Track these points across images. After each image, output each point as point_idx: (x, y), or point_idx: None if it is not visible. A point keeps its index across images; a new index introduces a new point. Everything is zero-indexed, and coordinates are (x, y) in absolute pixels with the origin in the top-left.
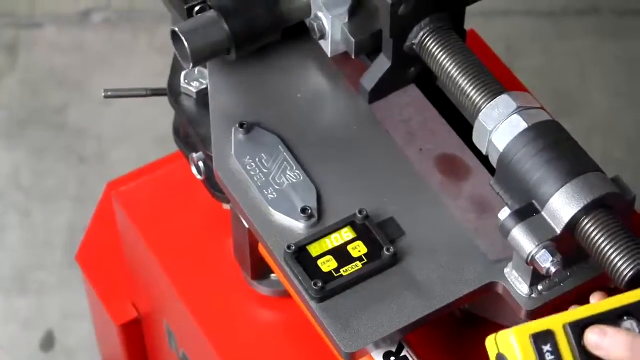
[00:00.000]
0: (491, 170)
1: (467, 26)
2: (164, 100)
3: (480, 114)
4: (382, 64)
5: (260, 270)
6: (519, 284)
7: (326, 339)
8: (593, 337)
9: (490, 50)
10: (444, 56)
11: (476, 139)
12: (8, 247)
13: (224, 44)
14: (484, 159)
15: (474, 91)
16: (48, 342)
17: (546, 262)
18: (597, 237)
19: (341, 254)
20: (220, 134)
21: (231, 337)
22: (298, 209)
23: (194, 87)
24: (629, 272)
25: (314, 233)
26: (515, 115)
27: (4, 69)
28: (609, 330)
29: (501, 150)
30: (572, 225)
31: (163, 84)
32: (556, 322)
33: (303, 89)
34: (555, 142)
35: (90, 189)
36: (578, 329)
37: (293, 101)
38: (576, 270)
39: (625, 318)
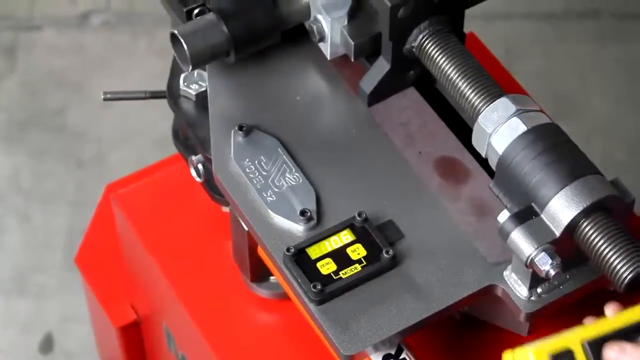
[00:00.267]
0: (490, 172)
1: (467, 29)
2: (163, 103)
3: (480, 116)
4: (381, 67)
5: (260, 273)
6: (518, 287)
7: (325, 341)
8: (612, 355)
9: (489, 53)
10: (443, 59)
11: (475, 141)
12: (7, 249)
13: (223, 47)
14: (483, 162)
15: (473, 94)
16: (47, 345)
17: (545, 264)
18: (596, 240)
19: (340, 257)
20: (220, 136)
21: (230, 339)
22: (297, 211)
23: (193, 90)
24: (628, 274)
25: (313, 235)
26: (515, 118)
27: (3, 71)
28: (628, 346)
29: (500, 153)
30: (571, 227)
31: (162, 86)
32: (574, 340)
33: (302, 92)
34: (554, 144)
35: (89, 192)
36: (597, 346)
37: (292, 104)
38: (575, 273)
39: None
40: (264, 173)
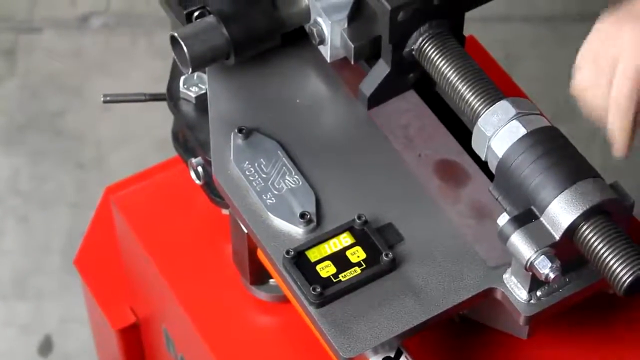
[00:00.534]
0: (490, 175)
1: (466, 32)
2: (163, 105)
3: (479, 119)
4: (381, 70)
5: (259, 276)
6: (517, 290)
7: (325, 344)
8: None
9: (489, 56)
10: (443, 62)
11: (475, 144)
12: (6, 251)
13: (223, 49)
14: (482, 165)
15: (472, 97)
16: (46, 347)
17: (545, 268)
18: (595, 243)
19: (340, 259)
20: (219, 139)
21: (230, 342)
22: (297, 214)
23: (193, 92)
24: (627, 278)
25: (312, 238)
26: (514, 121)
27: (2, 73)
28: None
29: (500, 156)
30: (571, 231)
31: (162, 88)
32: None
33: (302, 94)
34: (554, 147)
35: (88, 194)
36: None
37: (292, 106)
38: (575, 276)
39: None
40: (264, 176)
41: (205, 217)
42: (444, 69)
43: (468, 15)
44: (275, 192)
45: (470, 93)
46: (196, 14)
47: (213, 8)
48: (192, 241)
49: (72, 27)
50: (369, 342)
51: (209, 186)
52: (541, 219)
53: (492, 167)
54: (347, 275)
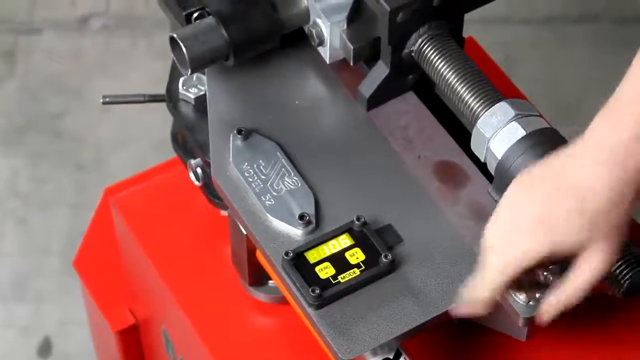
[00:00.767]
0: (489, 177)
1: (466, 33)
2: (162, 107)
3: (479, 121)
4: (380, 71)
5: (258, 277)
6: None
7: (323, 345)
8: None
9: (488, 57)
10: (442, 63)
11: (474, 146)
12: (5, 253)
13: (223, 51)
14: (482, 166)
15: (472, 98)
16: (45, 349)
17: (544, 269)
18: None
19: (339, 261)
20: (218, 140)
21: (229, 343)
22: (296, 215)
23: (192, 94)
24: (626, 279)
25: (311, 239)
26: (514, 123)
27: (2, 74)
28: None
29: (499, 157)
30: None
31: (161, 90)
32: None
33: (301, 96)
34: (553, 149)
35: (88, 195)
36: None
37: (291, 107)
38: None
39: None
40: (263, 177)
41: (204, 218)
42: (444, 70)
43: (467, 16)
44: (275, 194)
45: (470, 94)
46: (195, 15)
47: (212, 9)
48: (191, 242)
49: (72, 29)
50: (368, 344)
51: (208, 187)
52: None
53: (492, 168)
54: (346, 277)
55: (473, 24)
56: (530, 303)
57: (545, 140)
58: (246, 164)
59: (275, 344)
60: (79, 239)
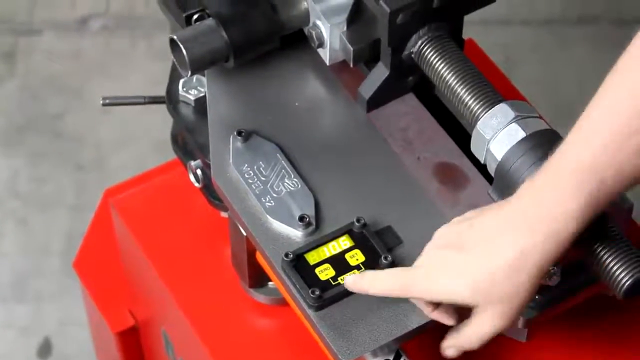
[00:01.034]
0: (489, 178)
1: (466, 35)
2: (162, 108)
3: (479, 122)
4: (380, 73)
5: (258, 278)
6: None
7: (324, 347)
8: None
9: (488, 59)
10: (442, 65)
11: (474, 147)
12: (5, 254)
13: (223, 52)
14: (481, 168)
15: (472, 100)
16: (45, 350)
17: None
18: (595, 246)
19: (339, 262)
20: (218, 141)
21: (228, 345)
22: (296, 217)
23: (192, 95)
24: (627, 281)
25: (311, 241)
26: (514, 124)
27: (2, 75)
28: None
29: (499, 159)
30: None
31: (161, 91)
32: None
33: (301, 97)
34: (553, 150)
35: (88, 196)
36: None
37: (291, 109)
38: (574, 279)
39: None
40: (263, 178)
41: (204, 219)
42: (443, 72)
43: (467, 18)
44: (275, 195)
45: (470, 96)
46: (195, 16)
47: (212, 11)
48: (191, 244)
49: (72, 29)
50: (368, 345)
51: (208, 189)
52: None
53: (491, 170)
54: (346, 278)
55: (473, 26)
56: (531, 304)
57: (545, 142)
58: (246, 165)
59: (275, 345)
60: (79, 239)
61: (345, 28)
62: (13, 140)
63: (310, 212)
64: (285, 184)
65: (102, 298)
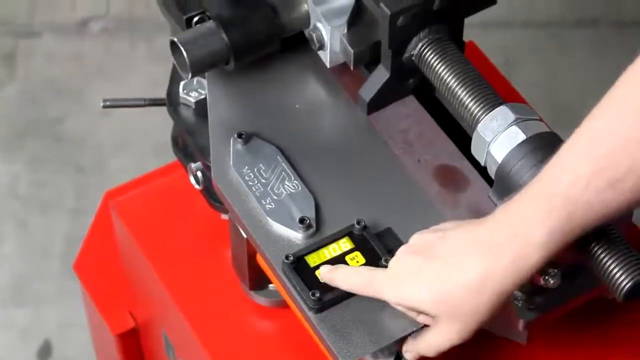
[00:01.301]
0: (489, 181)
1: (466, 37)
2: (163, 110)
3: (479, 125)
4: (380, 75)
5: (258, 281)
6: (517, 295)
7: (324, 349)
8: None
9: (488, 61)
10: (443, 67)
11: (474, 150)
12: (6, 256)
13: (223, 54)
14: (482, 170)
15: (472, 102)
16: (45, 352)
17: (545, 273)
18: (595, 249)
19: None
20: (219, 144)
21: (229, 347)
22: (296, 219)
23: (192, 97)
24: (627, 283)
25: (312, 243)
26: (514, 127)
27: (2, 78)
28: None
29: (499, 161)
30: None
31: (161, 93)
32: None
33: (301, 100)
34: (553, 153)
35: (88, 199)
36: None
37: (291, 111)
38: (574, 282)
39: None
40: (263, 181)
41: (204, 222)
42: (444, 74)
43: (467, 20)
44: (275, 197)
45: (470, 98)
46: (196, 19)
47: (213, 13)
48: (191, 246)
49: (72, 32)
50: (368, 347)
51: (209, 191)
52: None
53: (492, 172)
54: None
55: (473, 28)
56: (531, 307)
57: (546, 144)
58: (246, 167)
59: (275, 347)
60: (79, 242)
61: (345, 30)
62: (13, 144)
63: (310, 214)
64: (286, 186)
65: (102, 300)
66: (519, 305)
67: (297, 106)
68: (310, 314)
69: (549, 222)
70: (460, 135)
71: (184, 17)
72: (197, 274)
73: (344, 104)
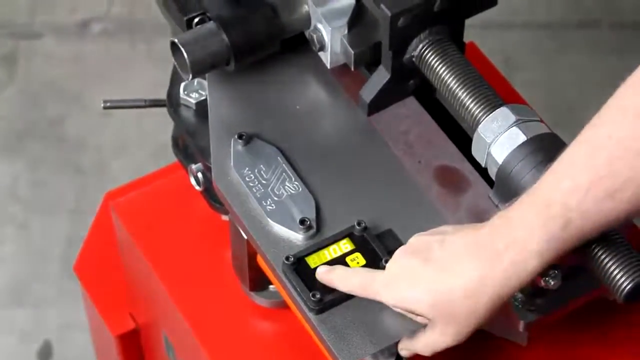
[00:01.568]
0: (490, 182)
1: (466, 38)
2: (163, 111)
3: (479, 126)
4: (381, 76)
5: (259, 282)
6: (517, 296)
7: (324, 350)
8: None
9: (489, 62)
10: (443, 68)
11: (475, 151)
12: (6, 258)
13: (224, 55)
14: (482, 171)
15: (473, 104)
16: (46, 353)
17: (545, 274)
18: (596, 250)
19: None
20: (219, 145)
21: (229, 348)
22: (297, 220)
23: (193, 98)
24: (627, 285)
25: (312, 244)
26: (514, 128)
27: (2, 79)
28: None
29: (500, 163)
30: None
31: (162, 94)
32: None
33: (302, 101)
34: (554, 154)
35: (88, 200)
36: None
37: (292, 112)
38: (575, 282)
39: None
40: (264, 182)
41: (204, 223)
42: (444, 75)
43: (468, 21)
44: (275, 198)
45: (470, 100)
46: (196, 20)
47: (213, 14)
48: (191, 247)
49: (72, 33)
50: (369, 348)
51: (209, 192)
52: None
53: (492, 173)
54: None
55: (473, 29)
56: (532, 308)
57: (546, 146)
58: (247, 168)
59: (276, 348)
60: (79, 243)
61: (346, 31)
62: (13, 145)
63: (311, 215)
64: (286, 187)
65: (102, 301)
66: (519, 306)
67: (297, 107)
68: (310, 315)
69: (547, 229)
70: (460, 136)
71: (185, 18)
72: (198, 275)
73: (345, 105)
